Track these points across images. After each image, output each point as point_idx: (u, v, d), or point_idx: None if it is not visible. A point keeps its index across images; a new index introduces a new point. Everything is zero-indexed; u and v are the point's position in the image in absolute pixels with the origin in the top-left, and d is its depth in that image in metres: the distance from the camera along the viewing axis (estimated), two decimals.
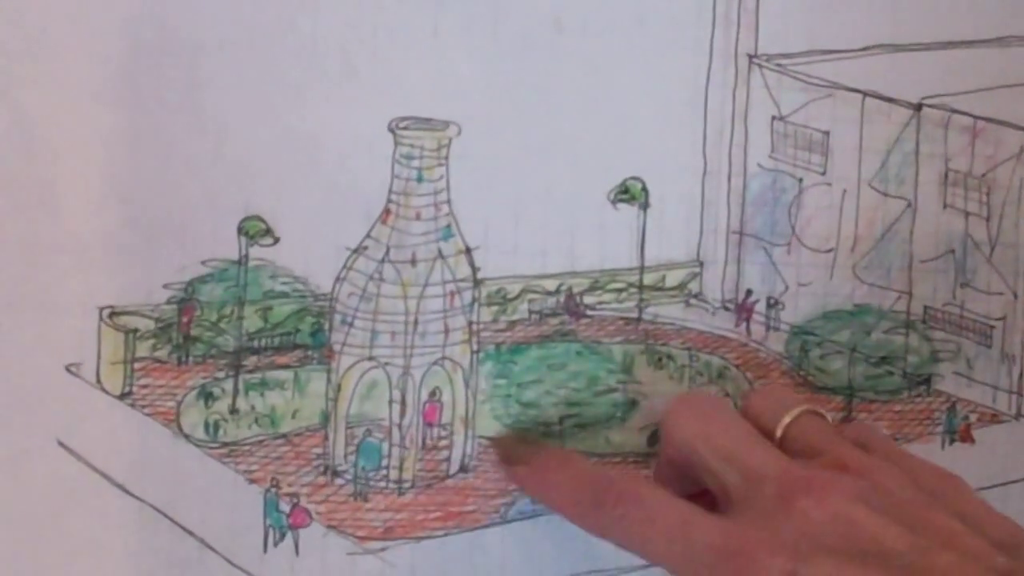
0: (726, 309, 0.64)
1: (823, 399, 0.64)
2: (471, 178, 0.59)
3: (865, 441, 0.57)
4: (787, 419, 0.56)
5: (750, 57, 0.62)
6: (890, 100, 0.63)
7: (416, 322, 0.59)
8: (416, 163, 0.58)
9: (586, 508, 0.56)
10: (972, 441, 0.65)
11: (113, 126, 0.56)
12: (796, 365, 0.64)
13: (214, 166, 0.57)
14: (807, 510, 0.51)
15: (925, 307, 0.65)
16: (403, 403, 0.59)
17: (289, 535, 0.58)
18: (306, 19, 0.57)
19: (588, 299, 0.62)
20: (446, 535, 0.60)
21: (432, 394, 0.59)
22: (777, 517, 0.52)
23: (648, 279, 0.62)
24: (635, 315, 0.63)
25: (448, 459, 0.60)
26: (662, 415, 0.57)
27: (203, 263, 0.57)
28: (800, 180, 0.63)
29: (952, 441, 0.65)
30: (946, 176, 0.64)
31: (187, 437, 0.58)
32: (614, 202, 0.61)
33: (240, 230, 0.57)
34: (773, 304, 0.64)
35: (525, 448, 0.59)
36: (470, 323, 0.60)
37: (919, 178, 0.64)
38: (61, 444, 0.56)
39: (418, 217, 0.59)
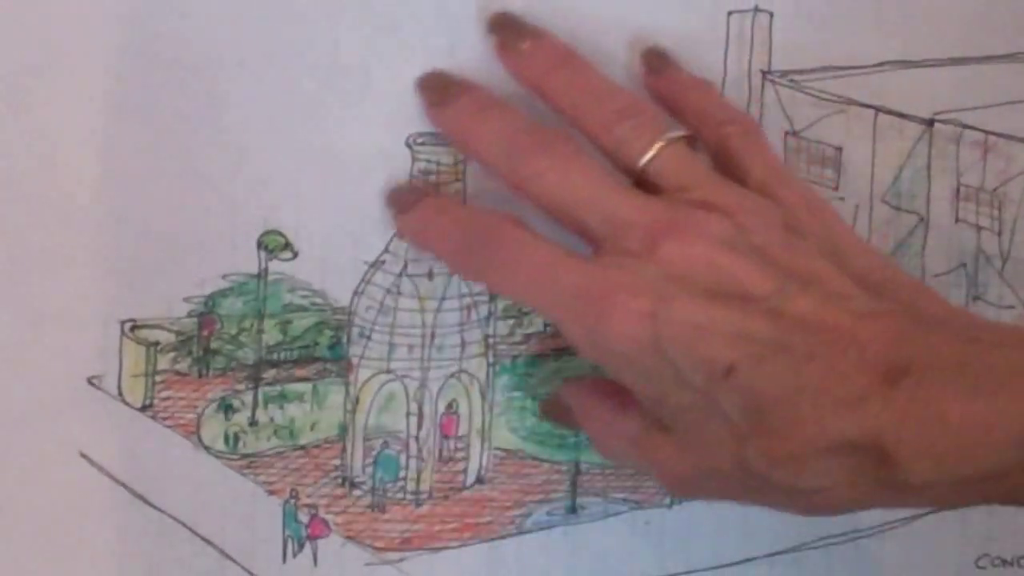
0: None
1: None
2: (487, 193, 0.60)
3: (738, 146, 0.57)
4: (651, 152, 0.55)
5: (763, 73, 0.63)
6: (902, 116, 0.64)
7: (433, 335, 0.59)
8: (433, 178, 0.59)
9: (459, 252, 0.56)
10: None
11: (134, 142, 0.56)
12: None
13: (234, 181, 0.57)
14: (670, 253, 0.52)
15: None
16: (420, 415, 0.60)
17: (308, 546, 0.58)
18: (324, 36, 0.58)
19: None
20: (463, 546, 0.60)
21: (449, 406, 0.60)
22: (640, 260, 0.52)
23: None
24: None
25: (465, 471, 0.60)
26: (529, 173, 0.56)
27: (223, 277, 0.58)
28: None
29: None
30: (958, 191, 0.64)
31: (207, 449, 0.58)
32: None
33: (260, 244, 0.58)
34: None
35: (408, 196, 0.58)
36: (486, 336, 0.60)
37: (931, 193, 0.64)
38: (83, 455, 0.57)
39: None
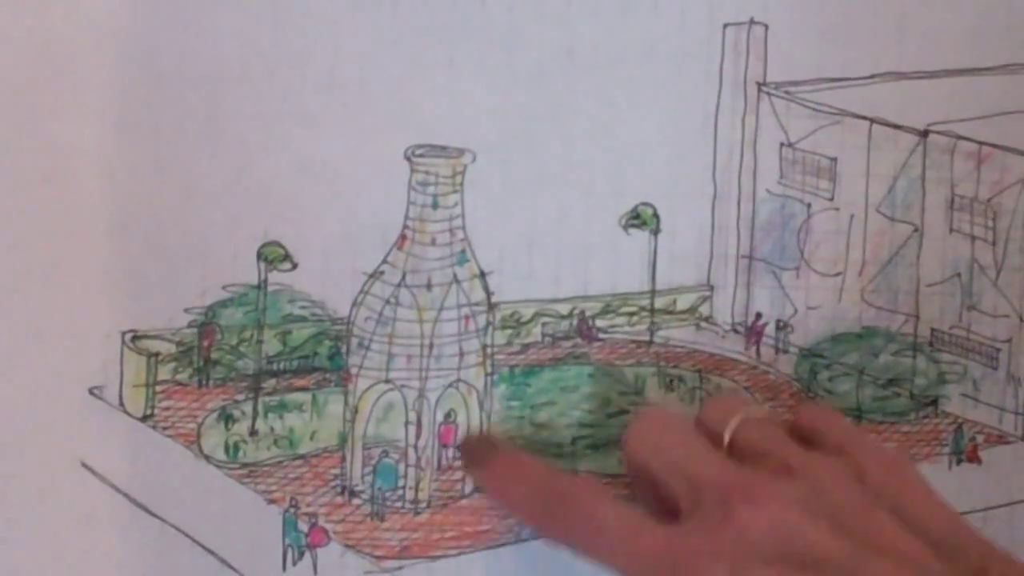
0: (736, 332, 0.65)
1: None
2: (485, 204, 0.60)
3: (816, 426, 0.57)
4: (733, 424, 0.57)
5: (759, 85, 0.63)
6: (897, 127, 0.64)
7: (431, 345, 0.60)
8: (431, 190, 0.59)
9: (539, 514, 0.57)
10: (979, 462, 0.65)
11: (136, 155, 0.57)
12: (805, 387, 0.65)
13: (234, 193, 0.58)
14: (746, 518, 0.52)
15: (932, 330, 0.65)
16: (419, 425, 0.60)
17: (307, 554, 0.59)
18: (324, 50, 0.58)
19: (600, 322, 0.63)
20: (461, 554, 0.60)
21: (447, 416, 0.60)
22: (718, 525, 0.52)
23: (659, 303, 0.63)
24: (646, 338, 0.63)
25: (463, 479, 0.61)
26: (624, 434, 0.57)
27: (223, 288, 0.58)
28: (808, 205, 0.64)
29: (959, 462, 0.65)
30: (952, 201, 0.65)
31: (207, 458, 0.58)
32: (626, 227, 0.62)
33: (259, 256, 0.58)
34: (782, 327, 0.65)
35: (484, 449, 0.59)
36: (484, 346, 0.61)
37: (926, 203, 0.64)
38: (84, 465, 0.57)
39: (433, 243, 0.59)
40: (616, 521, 0.54)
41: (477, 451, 0.59)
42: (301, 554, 0.59)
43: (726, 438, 0.57)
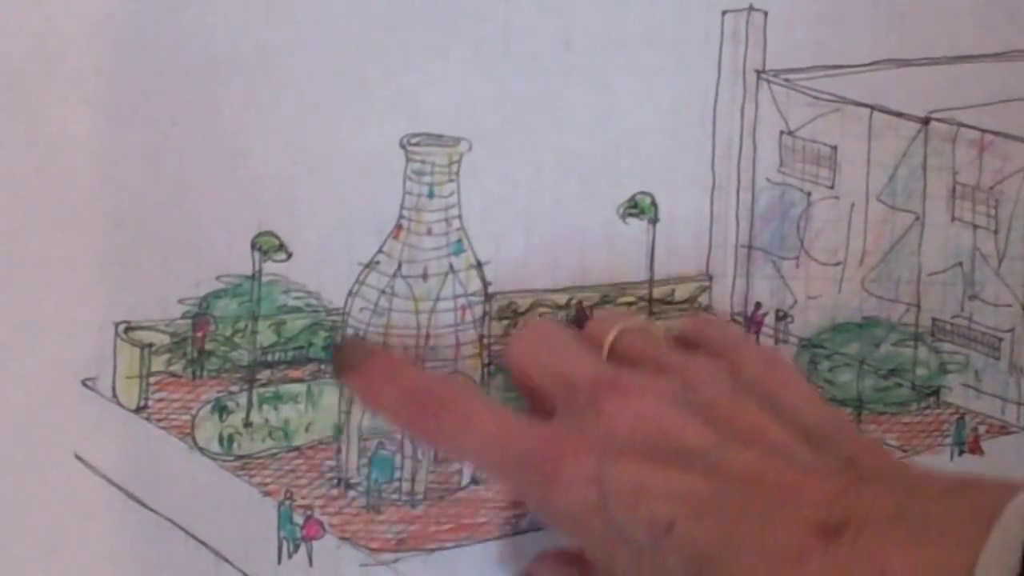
0: (736, 322, 0.64)
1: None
2: (482, 193, 0.60)
3: (698, 334, 0.58)
4: (613, 333, 0.57)
5: (758, 73, 0.63)
6: (898, 114, 0.64)
7: (428, 336, 0.59)
8: (427, 179, 0.59)
9: (410, 416, 0.56)
10: (981, 452, 0.65)
11: (129, 144, 0.56)
12: (806, 377, 0.64)
13: (228, 183, 0.57)
14: (614, 412, 0.52)
15: (933, 320, 0.65)
16: None
17: (303, 547, 0.59)
18: (318, 38, 0.58)
19: (597, 313, 0.62)
20: (458, 547, 0.60)
21: None
22: (587, 420, 0.52)
23: (658, 293, 0.63)
24: None
25: (460, 471, 0.60)
26: (504, 349, 0.58)
27: (217, 278, 0.58)
28: (808, 194, 0.64)
29: (961, 452, 0.65)
30: (954, 189, 0.64)
31: (202, 450, 0.58)
32: (623, 216, 0.62)
33: (254, 246, 0.58)
34: (782, 317, 0.64)
35: (356, 352, 0.58)
36: (481, 337, 0.60)
37: (927, 191, 0.64)
38: (78, 457, 0.57)
39: (429, 232, 0.59)
40: (487, 419, 0.54)
41: (349, 354, 0.58)
42: (296, 547, 0.59)
43: (605, 345, 0.56)
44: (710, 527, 0.49)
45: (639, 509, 0.50)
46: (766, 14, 0.62)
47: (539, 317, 0.61)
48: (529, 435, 0.53)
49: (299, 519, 0.59)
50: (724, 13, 0.62)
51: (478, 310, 0.60)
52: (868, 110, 0.64)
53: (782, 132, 0.64)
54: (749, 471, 0.50)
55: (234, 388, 0.58)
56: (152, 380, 0.58)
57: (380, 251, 0.59)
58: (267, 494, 0.59)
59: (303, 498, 0.59)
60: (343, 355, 0.59)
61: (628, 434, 0.52)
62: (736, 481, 0.50)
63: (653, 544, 0.50)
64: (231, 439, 0.58)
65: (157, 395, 0.58)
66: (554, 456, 0.52)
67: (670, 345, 0.57)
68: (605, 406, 0.53)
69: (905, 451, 0.65)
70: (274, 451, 0.59)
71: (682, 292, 0.63)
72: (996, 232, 0.64)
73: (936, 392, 0.65)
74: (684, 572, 0.50)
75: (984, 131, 0.64)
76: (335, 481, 0.59)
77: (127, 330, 0.57)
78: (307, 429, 0.59)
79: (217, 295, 0.58)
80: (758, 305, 0.64)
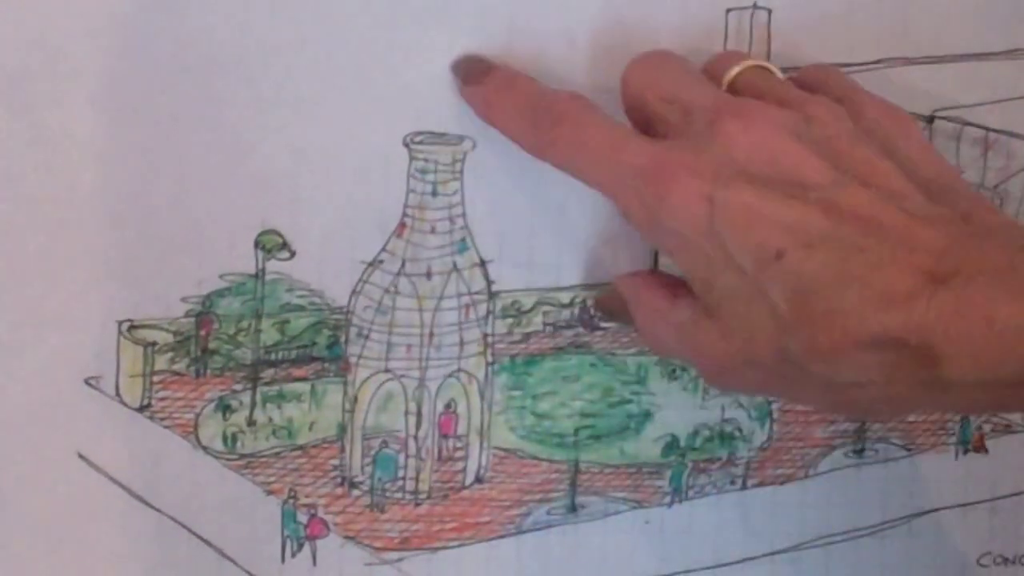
0: None
1: None
2: (486, 192, 0.60)
3: (820, 80, 0.57)
4: (735, 69, 0.57)
5: None
6: None
7: (431, 335, 0.59)
8: (431, 177, 0.59)
9: (525, 128, 0.56)
10: (985, 451, 0.65)
11: (131, 143, 0.56)
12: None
13: (231, 181, 0.57)
14: (732, 135, 0.52)
15: None
16: (419, 415, 0.60)
17: (307, 546, 0.59)
18: (321, 35, 0.58)
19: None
20: (462, 546, 0.60)
21: (447, 406, 0.60)
22: (704, 142, 0.52)
23: None
24: None
25: (464, 470, 0.60)
26: (622, 75, 0.57)
27: (221, 277, 0.58)
28: None
29: (966, 451, 0.65)
30: None
31: (205, 449, 0.58)
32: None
33: (257, 244, 0.58)
34: None
35: (476, 65, 0.58)
36: (485, 335, 0.60)
37: None
38: (81, 456, 0.57)
39: (433, 231, 0.59)
40: (602, 134, 0.54)
41: (471, 69, 0.58)
42: (300, 545, 0.59)
43: (726, 78, 0.56)
44: (820, 260, 0.50)
45: (750, 233, 0.51)
46: (770, 12, 0.62)
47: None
48: (644, 151, 0.53)
49: (303, 518, 0.59)
50: (728, 11, 0.62)
51: (482, 308, 0.60)
52: None
53: None
54: (865, 211, 0.50)
55: (238, 387, 0.58)
56: (155, 379, 0.58)
57: (384, 249, 0.59)
58: (271, 493, 0.58)
59: (307, 497, 0.59)
60: (463, 68, 0.58)
61: (745, 159, 0.52)
62: (851, 219, 0.50)
63: (759, 270, 0.51)
64: (235, 438, 0.58)
65: (160, 394, 0.58)
66: (668, 172, 0.52)
67: (791, 85, 0.57)
68: (724, 129, 0.52)
69: (910, 450, 0.65)
70: (278, 450, 0.59)
71: None
72: None
73: None
74: (785, 301, 0.50)
75: (989, 129, 0.64)
76: (339, 480, 0.59)
77: (130, 328, 0.57)
78: (311, 428, 0.59)
79: (220, 293, 0.58)
80: None
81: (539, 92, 0.57)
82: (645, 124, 0.56)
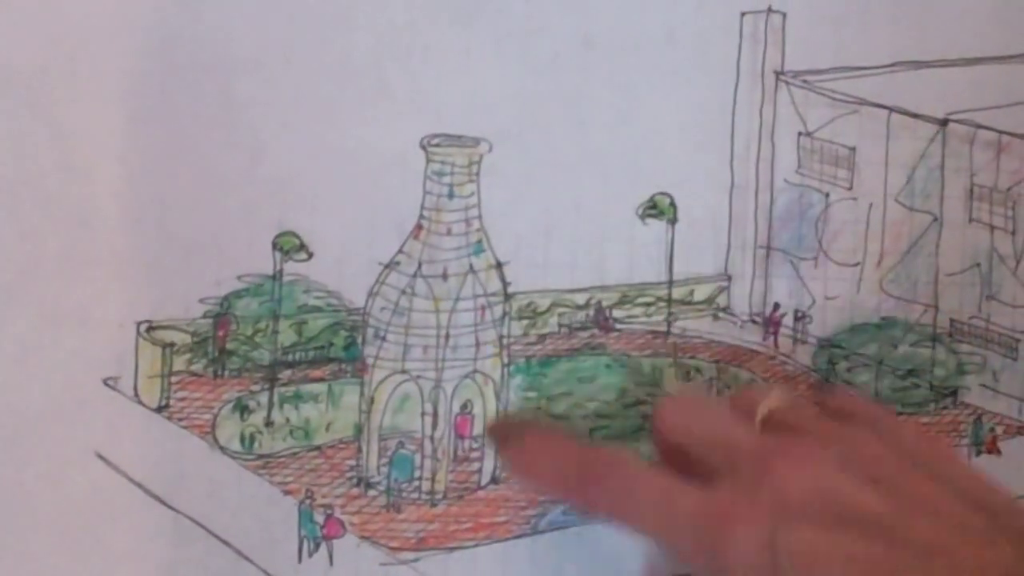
0: (754, 322, 0.65)
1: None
2: (502, 194, 0.60)
3: (848, 410, 0.57)
4: (768, 404, 0.56)
5: (777, 74, 0.63)
6: (916, 116, 0.64)
7: (448, 336, 0.60)
8: (447, 179, 0.59)
9: (572, 485, 0.56)
10: (998, 453, 0.65)
11: (150, 143, 0.57)
12: (823, 378, 0.64)
13: (249, 183, 0.58)
14: (784, 477, 0.52)
15: (951, 320, 0.65)
16: (435, 416, 0.60)
17: (323, 545, 0.59)
18: (340, 38, 0.58)
19: (617, 313, 0.62)
20: (477, 546, 0.60)
21: (464, 407, 0.60)
22: (755, 486, 0.52)
23: (676, 293, 0.63)
24: (664, 328, 0.63)
25: (479, 471, 0.61)
26: (652, 418, 0.57)
27: (238, 278, 0.58)
28: (827, 195, 0.64)
29: (978, 453, 0.65)
30: (971, 191, 0.64)
31: (223, 449, 0.58)
32: (643, 217, 0.62)
33: (275, 246, 0.58)
34: (800, 317, 0.64)
35: (513, 429, 0.58)
36: (501, 337, 0.60)
37: (945, 193, 0.64)
38: (99, 456, 0.57)
39: (449, 232, 0.59)
40: (651, 485, 0.54)
41: (504, 434, 0.58)
42: (317, 545, 0.59)
43: (759, 416, 0.56)
44: None
45: (814, 573, 0.50)
46: (785, 15, 0.62)
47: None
48: (696, 498, 0.53)
49: (319, 518, 0.59)
50: (743, 14, 0.62)
51: (498, 310, 0.60)
52: (886, 111, 0.64)
53: (800, 133, 0.64)
54: (926, 539, 0.50)
55: (255, 387, 0.59)
56: (173, 379, 0.58)
57: (400, 251, 0.59)
58: (288, 493, 0.59)
59: (323, 497, 0.59)
60: (500, 431, 0.59)
61: (800, 500, 0.51)
62: (914, 549, 0.50)
63: None
64: (252, 438, 0.59)
65: (178, 394, 0.58)
66: (725, 519, 0.51)
67: (825, 418, 0.56)
68: (774, 472, 0.52)
69: None
70: (295, 450, 0.59)
71: (701, 292, 0.63)
72: (1014, 233, 0.64)
73: (954, 393, 0.65)
74: None
75: (1002, 132, 0.64)
76: (355, 480, 0.59)
77: (149, 329, 0.57)
78: (327, 428, 0.59)
79: (238, 295, 0.58)
80: (776, 305, 0.64)
81: (580, 447, 0.57)
82: (684, 467, 0.55)
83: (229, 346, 0.58)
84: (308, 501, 0.59)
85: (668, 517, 0.53)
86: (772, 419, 0.56)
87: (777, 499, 0.51)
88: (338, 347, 0.59)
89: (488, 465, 0.61)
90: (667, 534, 0.53)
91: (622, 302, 0.62)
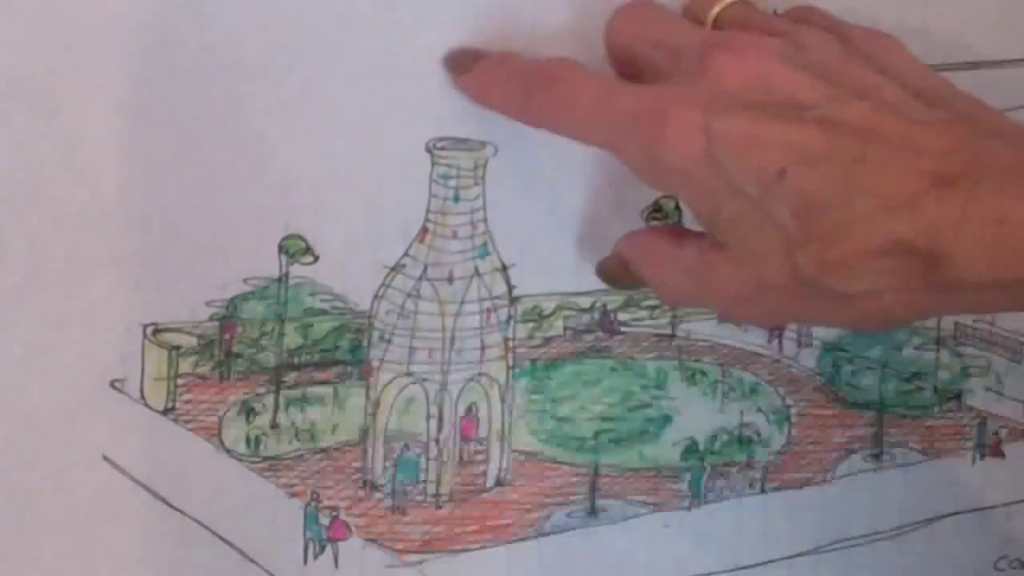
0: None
1: (852, 414, 0.65)
2: (507, 197, 0.60)
3: (804, 18, 0.58)
4: (718, 7, 0.57)
5: None
6: None
7: (453, 339, 0.60)
8: (453, 183, 0.59)
9: (518, 98, 0.56)
10: (1002, 456, 0.65)
11: (156, 146, 0.57)
12: (828, 381, 0.65)
13: (255, 186, 0.58)
14: (724, 67, 0.52)
15: (956, 323, 0.65)
16: (440, 418, 0.60)
17: (328, 548, 0.59)
18: (345, 41, 0.58)
19: (622, 316, 0.63)
20: (483, 548, 0.60)
21: (469, 409, 0.60)
22: (695, 78, 0.52)
23: None
24: (668, 332, 0.63)
25: (484, 473, 0.61)
26: (605, 24, 0.57)
27: (244, 281, 0.58)
28: None
29: (983, 456, 0.65)
30: None
31: (229, 452, 0.58)
32: (647, 220, 0.62)
33: (281, 248, 0.58)
34: None
35: (467, 55, 0.59)
36: (506, 340, 0.61)
37: None
38: (106, 458, 0.57)
39: (455, 236, 0.59)
40: (592, 88, 0.54)
41: (461, 59, 0.59)
42: (322, 548, 0.59)
43: (710, 17, 0.57)
44: (822, 175, 0.50)
45: (749, 157, 0.51)
46: None
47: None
48: (636, 96, 0.53)
49: (325, 520, 0.59)
50: None
51: (503, 313, 0.60)
52: None
53: None
54: (863, 123, 0.51)
55: (261, 390, 0.59)
56: (180, 382, 0.58)
57: (406, 254, 0.59)
58: (293, 495, 0.59)
59: (329, 499, 0.59)
60: (454, 60, 0.59)
61: (738, 87, 0.52)
62: (849, 132, 0.50)
63: (762, 192, 0.51)
64: (258, 440, 0.59)
65: (184, 397, 0.58)
66: (662, 110, 0.52)
67: (776, 17, 0.57)
68: (714, 63, 0.52)
69: (927, 454, 0.65)
70: (300, 452, 0.59)
71: None
72: None
73: (958, 395, 0.66)
74: (791, 220, 0.50)
75: None
76: (361, 483, 0.60)
77: (155, 332, 0.57)
78: (333, 431, 0.59)
79: (244, 297, 0.58)
80: None
81: (527, 64, 0.57)
82: (634, 73, 0.56)
83: (235, 349, 0.58)
84: (314, 503, 0.59)
85: (608, 118, 0.53)
86: (724, 18, 0.57)
87: (715, 87, 0.52)
88: (343, 350, 0.59)
89: (493, 468, 0.61)
90: (608, 136, 0.54)
91: (627, 305, 0.63)
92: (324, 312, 0.59)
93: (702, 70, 0.52)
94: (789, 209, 0.50)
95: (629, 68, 0.57)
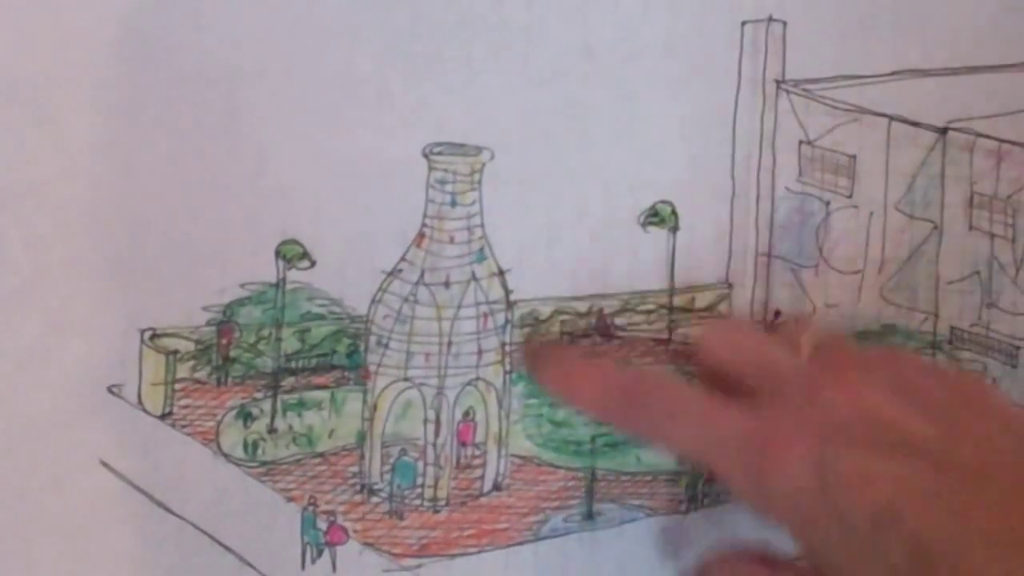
0: None
1: None
2: (504, 202, 0.60)
3: (891, 352, 0.58)
4: (814, 335, 0.57)
5: (777, 83, 0.63)
6: (916, 124, 0.64)
7: (450, 343, 0.60)
8: (450, 188, 0.59)
9: (615, 407, 0.56)
10: None
11: (153, 153, 0.57)
12: None
13: (252, 191, 0.58)
14: (833, 400, 0.52)
15: (952, 328, 0.65)
16: (437, 423, 0.60)
17: (326, 552, 0.59)
18: (342, 47, 0.58)
19: (619, 320, 0.63)
20: (480, 552, 0.60)
21: (466, 414, 0.60)
22: (802, 407, 0.52)
23: (678, 301, 0.63)
24: (665, 336, 0.63)
25: (482, 478, 0.61)
26: (695, 340, 0.57)
27: (242, 286, 0.58)
28: (827, 203, 0.64)
29: None
30: (972, 199, 0.64)
31: (226, 456, 0.58)
32: (644, 225, 0.62)
33: (278, 254, 0.58)
34: None
35: (546, 352, 0.59)
36: (503, 344, 0.61)
37: (945, 201, 0.64)
38: (103, 463, 0.57)
39: (452, 240, 0.60)
40: (695, 405, 0.54)
41: (539, 353, 0.59)
42: (320, 552, 0.59)
43: (807, 343, 0.57)
44: (938, 516, 0.49)
45: (863, 494, 0.50)
46: (785, 24, 0.63)
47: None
48: (742, 419, 0.53)
49: (322, 525, 0.59)
50: (744, 23, 0.62)
51: (500, 318, 0.61)
52: (887, 120, 0.64)
53: (801, 141, 0.64)
54: (974, 463, 0.50)
55: (258, 395, 0.59)
56: (177, 387, 0.58)
57: (403, 259, 0.59)
58: (291, 500, 0.59)
59: (326, 504, 0.59)
60: (536, 359, 0.59)
61: (849, 422, 0.52)
62: (961, 472, 0.50)
63: (875, 531, 0.50)
64: (255, 445, 0.59)
65: (182, 401, 0.58)
66: (772, 438, 0.51)
67: (866, 346, 0.58)
68: (822, 395, 0.52)
69: None
70: (298, 457, 0.59)
71: (702, 300, 0.63)
72: (1014, 241, 0.64)
73: None
74: (907, 561, 0.49)
75: (1002, 141, 0.64)
76: (358, 487, 0.60)
77: (152, 337, 0.57)
78: (330, 435, 0.59)
79: (241, 302, 0.58)
80: (777, 313, 0.64)
81: (621, 371, 0.58)
82: (728, 390, 0.56)
83: (232, 354, 0.58)
84: (311, 508, 0.59)
85: (712, 438, 0.53)
86: (815, 350, 0.56)
87: (825, 421, 0.51)
88: (341, 354, 0.60)
89: (490, 472, 0.61)
90: (710, 455, 0.53)
91: (624, 310, 0.63)
92: (321, 317, 0.59)
93: (811, 401, 0.52)
94: (904, 550, 0.49)
95: (724, 384, 0.56)
